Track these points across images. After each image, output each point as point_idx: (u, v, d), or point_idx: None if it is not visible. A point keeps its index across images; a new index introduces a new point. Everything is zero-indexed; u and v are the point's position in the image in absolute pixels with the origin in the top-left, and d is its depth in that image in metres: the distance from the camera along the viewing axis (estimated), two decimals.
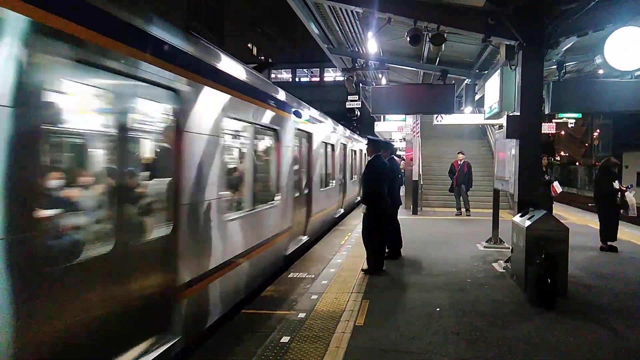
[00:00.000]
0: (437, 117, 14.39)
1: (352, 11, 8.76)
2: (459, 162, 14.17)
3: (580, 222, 12.36)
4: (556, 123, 20.45)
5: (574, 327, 4.83)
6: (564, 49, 8.11)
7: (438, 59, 11.49)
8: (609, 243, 8.66)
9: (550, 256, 5.51)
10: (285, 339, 4.40)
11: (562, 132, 51.41)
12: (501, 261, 7.52)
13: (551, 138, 43.23)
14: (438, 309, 5.32)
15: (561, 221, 6.16)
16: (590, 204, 18.34)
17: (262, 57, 48.49)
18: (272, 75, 44.46)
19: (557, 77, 8.99)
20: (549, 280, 5.38)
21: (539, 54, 6.70)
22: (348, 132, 16.36)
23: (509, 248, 7.73)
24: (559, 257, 5.63)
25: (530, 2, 6.44)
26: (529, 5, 6.48)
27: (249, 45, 45.77)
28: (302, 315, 5.10)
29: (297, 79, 47.91)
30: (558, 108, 7.91)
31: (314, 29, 9.95)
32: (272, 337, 4.45)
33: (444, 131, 20.15)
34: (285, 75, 48.25)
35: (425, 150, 18.88)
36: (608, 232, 8.69)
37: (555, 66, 8.94)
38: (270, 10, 49.08)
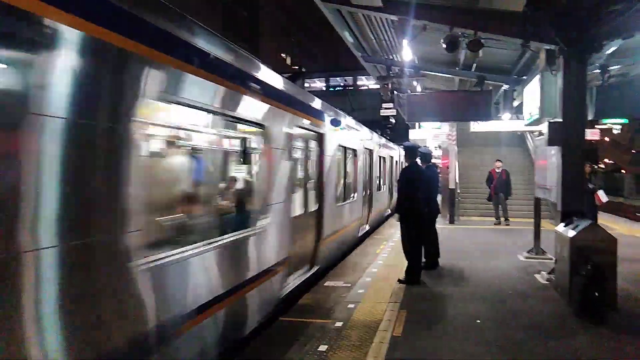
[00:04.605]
0: (474, 124, 14.13)
1: (386, 19, 8.77)
2: (497, 170, 13.82)
3: (628, 233, 11.81)
4: (600, 129, 19.60)
5: (626, 343, 4.61)
6: (608, 52, 7.82)
7: (475, 65, 11.32)
8: None
9: (597, 267, 5.29)
10: (323, 348, 4.40)
11: (606, 139, 49.38)
12: (544, 272, 7.26)
13: (594, 145, 41.57)
14: (478, 321, 5.19)
15: (608, 231, 5.91)
16: (638, 214, 17.52)
17: (296, 67, 48.97)
18: (306, 85, 44.73)
19: (600, 82, 8.69)
20: (596, 293, 5.16)
21: (581, 59, 6.48)
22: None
23: (551, 259, 7.46)
24: (606, 268, 5.39)
25: (571, 4, 6.25)
26: (570, 8, 6.30)
27: (282, 55, 46.33)
28: (339, 324, 5.08)
29: (331, 88, 48.14)
30: (602, 113, 7.65)
31: (348, 37, 10.01)
32: (310, 345, 4.46)
33: (482, 138, 19.70)
34: (318, 84, 48.53)
35: (462, 158, 18.50)
36: None
37: (598, 70, 8.63)
38: (304, 19, 49.60)
